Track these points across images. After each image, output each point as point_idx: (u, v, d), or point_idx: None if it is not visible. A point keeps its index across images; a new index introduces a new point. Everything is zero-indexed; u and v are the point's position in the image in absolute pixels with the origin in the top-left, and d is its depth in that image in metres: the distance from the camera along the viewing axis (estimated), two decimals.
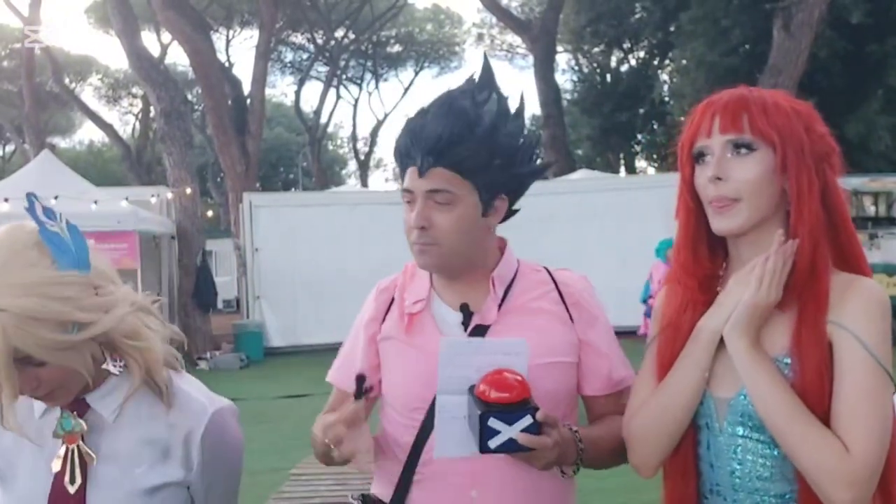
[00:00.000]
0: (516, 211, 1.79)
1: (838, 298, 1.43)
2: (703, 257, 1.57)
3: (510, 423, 1.47)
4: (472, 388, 1.54)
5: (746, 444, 1.47)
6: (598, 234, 13.24)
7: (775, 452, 1.45)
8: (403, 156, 1.70)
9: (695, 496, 1.55)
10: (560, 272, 1.80)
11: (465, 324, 1.72)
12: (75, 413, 1.46)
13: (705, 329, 1.51)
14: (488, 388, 1.50)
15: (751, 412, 1.45)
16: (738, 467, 1.48)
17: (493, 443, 1.47)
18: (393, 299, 1.79)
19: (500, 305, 1.73)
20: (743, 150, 1.47)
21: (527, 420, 1.48)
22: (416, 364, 1.69)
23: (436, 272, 1.75)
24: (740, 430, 1.48)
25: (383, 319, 1.78)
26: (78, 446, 1.45)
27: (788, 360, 1.44)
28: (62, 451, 1.45)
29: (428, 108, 1.70)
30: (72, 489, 1.43)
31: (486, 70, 1.74)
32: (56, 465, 1.44)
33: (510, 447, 1.49)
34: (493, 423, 1.47)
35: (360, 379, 1.61)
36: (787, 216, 1.49)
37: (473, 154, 1.65)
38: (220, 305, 18.37)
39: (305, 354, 12.75)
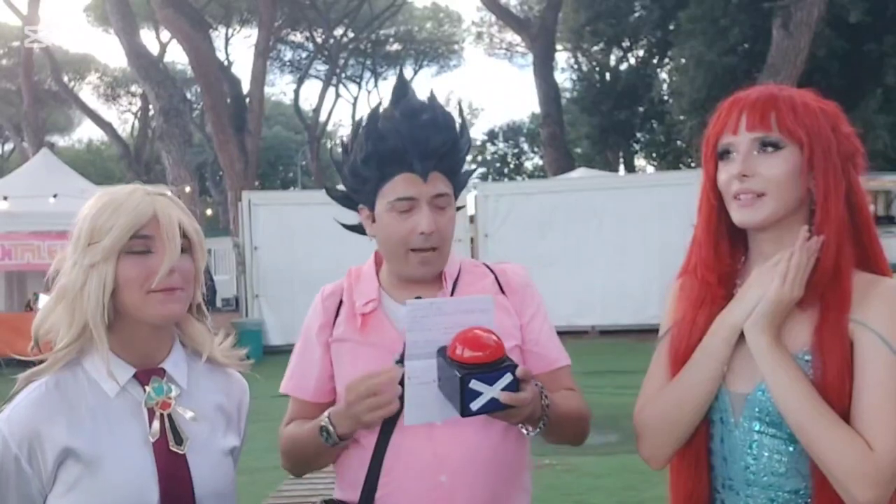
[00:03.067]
0: (459, 208, 1.86)
1: (861, 298, 1.43)
2: (723, 253, 1.57)
3: (491, 383, 1.44)
4: (441, 350, 1.49)
5: (762, 439, 1.47)
6: (596, 233, 13.21)
7: (791, 448, 1.45)
8: (392, 162, 1.70)
9: (707, 490, 1.54)
10: (498, 265, 1.87)
11: None
12: (164, 378, 1.51)
13: (725, 323, 1.50)
14: (462, 348, 1.45)
15: (768, 408, 1.44)
16: (752, 462, 1.48)
17: (475, 405, 1.43)
18: (341, 302, 1.80)
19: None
20: (770, 149, 1.47)
21: (507, 378, 1.45)
22: (374, 361, 1.66)
23: (430, 277, 1.76)
24: (756, 426, 1.47)
25: (333, 324, 1.79)
26: (171, 410, 1.49)
27: (809, 358, 1.43)
28: (156, 420, 1.47)
29: (404, 115, 1.70)
30: (180, 449, 1.47)
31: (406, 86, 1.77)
32: (153, 435, 1.46)
33: (492, 407, 1.45)
34: (475, 384, 1.43)
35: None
36: (810, 214, 1.49)
37: (461, 159, 1.78)
38: (218, 304, 18.36)
39: None
